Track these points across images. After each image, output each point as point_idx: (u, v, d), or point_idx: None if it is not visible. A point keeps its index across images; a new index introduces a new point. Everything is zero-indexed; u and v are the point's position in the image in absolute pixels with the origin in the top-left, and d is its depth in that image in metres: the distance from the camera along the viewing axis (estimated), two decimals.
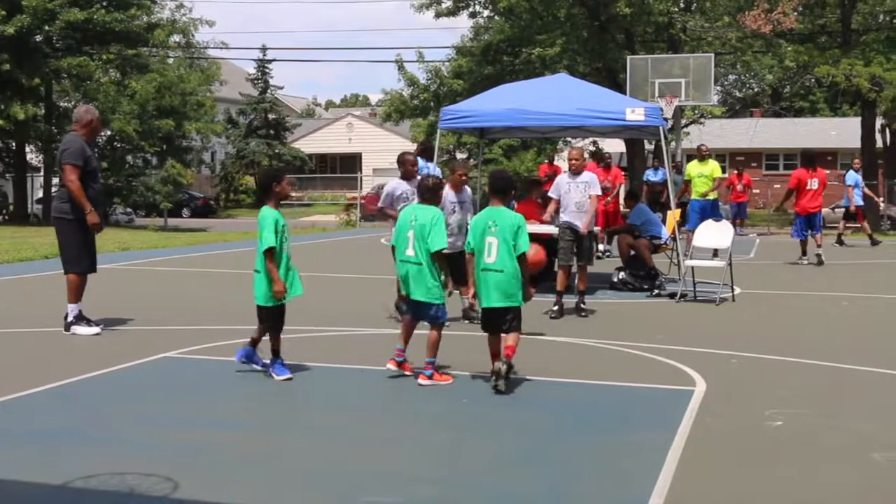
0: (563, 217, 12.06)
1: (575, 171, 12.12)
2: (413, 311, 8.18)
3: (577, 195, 11.94)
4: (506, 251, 7.79)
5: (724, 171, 25.45)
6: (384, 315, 11.22)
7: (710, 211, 18.29)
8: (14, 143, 39.38)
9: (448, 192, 10.89)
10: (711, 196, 19.09)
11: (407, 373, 8.10)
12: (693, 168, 19.44)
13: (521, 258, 7.80)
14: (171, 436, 6.35)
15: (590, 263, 12.35)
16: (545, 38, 36.57)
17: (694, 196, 19.15)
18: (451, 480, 5.46)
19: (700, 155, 19.53)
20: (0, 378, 7.98)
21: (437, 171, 14.82)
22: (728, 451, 6.05)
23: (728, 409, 7.08)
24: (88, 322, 10.12)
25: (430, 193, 8.32)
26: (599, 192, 12.34)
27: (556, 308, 11.78)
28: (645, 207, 15.48)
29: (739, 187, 30.60)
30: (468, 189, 11.58)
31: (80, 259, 10.16)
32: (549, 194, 12.45)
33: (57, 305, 10.57)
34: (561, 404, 7.36)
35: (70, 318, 10.09)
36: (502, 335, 7.88)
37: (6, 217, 41.08)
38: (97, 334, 9.97)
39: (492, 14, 41.93)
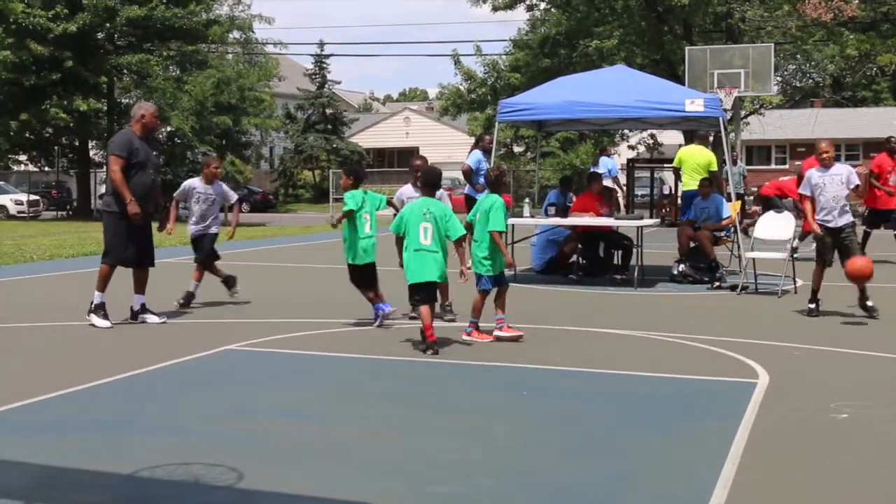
0: (819, 215, 11.10)
1: (827, 165, 11.15)
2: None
3: (832, 189, 11.03)
4: (437, 235, 8.99)
5: (785, 163, 24.47)
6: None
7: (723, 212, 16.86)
8: (77, 140, 39.96)
9: (199, 184, 11.77)
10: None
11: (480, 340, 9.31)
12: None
13: (458, 241, 9.09)
14: (235, 427, 6.41)
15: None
16: (602, 30, 36.45)
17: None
18: (512, 471, 5.46)
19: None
20: (67, 369, 8.12)
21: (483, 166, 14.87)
22: (792, 443, 5.99)
23: (792, 402, 7.01)
24: (106, 315, 10.25)
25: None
26: (859, 183, 11.30)
27: (813, 307, 11.23)
28: (721, 198, 15.19)
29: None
30: (221, 183, 12.06)
31: (116, 250, 10.26)
32: (801, 191, 11.41)
33: (122, 299, 10.71)
34: (622, 396, 7.34)
35: (91, 306, 10.30)
36: (425, 310, 8.88)
37: (70, 212, 41.73)
38: (109, 327, 10.09)
39: (549, 7, 41.84)
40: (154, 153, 10.51)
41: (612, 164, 24.33)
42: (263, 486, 5.16)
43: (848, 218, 11.05)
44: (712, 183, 15.19)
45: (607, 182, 23.67)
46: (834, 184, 10.98)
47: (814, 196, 11.07)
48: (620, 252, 15.04)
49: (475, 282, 9.47)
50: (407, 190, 11.05)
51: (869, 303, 11.03)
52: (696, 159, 15.93)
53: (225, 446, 5.89)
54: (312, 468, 5.51)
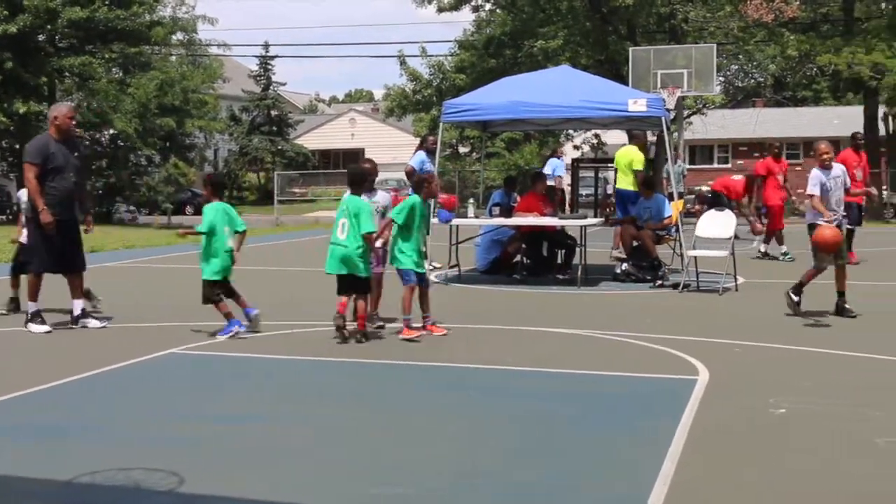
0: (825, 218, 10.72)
1: (828, 167, 10.87)
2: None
3: (837, 192, 10.85)
4: (353, 231, 9.43)
5: (727, 162, 24.75)
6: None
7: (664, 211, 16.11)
8: (18, 144, 39.44)
9: None
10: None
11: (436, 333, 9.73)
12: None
13: (365, 237, 9.45)
14: (177, 431, 6.37)
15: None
16: (547, 30, 36.61)
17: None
18: (458, 471, 5.47)
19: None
20: (6, 376, 8.01)
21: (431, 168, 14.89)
22: (732, 438, 6.06)
23: (732, 398, 7.09)
24: (42, 321, 10.12)
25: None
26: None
27: (797, 299, 10.87)
28: (663, 197, 15.40)
29: (780, 177, 22.79)
30: None
31: (38, 258, 10.12)
32: (810, 191, 10.81)
33: (61, 303, 10.60)
34: (565, 395, 7.38)
35: (27, 315, 10.17)
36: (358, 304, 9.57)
37: (10, 217, 41.15)
38: (48, 332, 9.96)
39: (494, 7, 41.96)
40: (75, 154, 10.30)
41: (556, 165, 24.56)
42: (204, 489, 5.13)
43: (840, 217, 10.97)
44: (651, 183, 15.41)
45: (551, 182, 23.88)
46: (837, 186, 10.86)
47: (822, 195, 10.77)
48: (563, 251, 15.13)
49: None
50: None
51: (847, 305, 10.95)
52: (624, 159, 16.17)
53: (166, 451, 5.84)
54: (256, 472, 5.48)
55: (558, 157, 25.77)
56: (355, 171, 10.31)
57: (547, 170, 23.81)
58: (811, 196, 10.76)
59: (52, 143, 10.06)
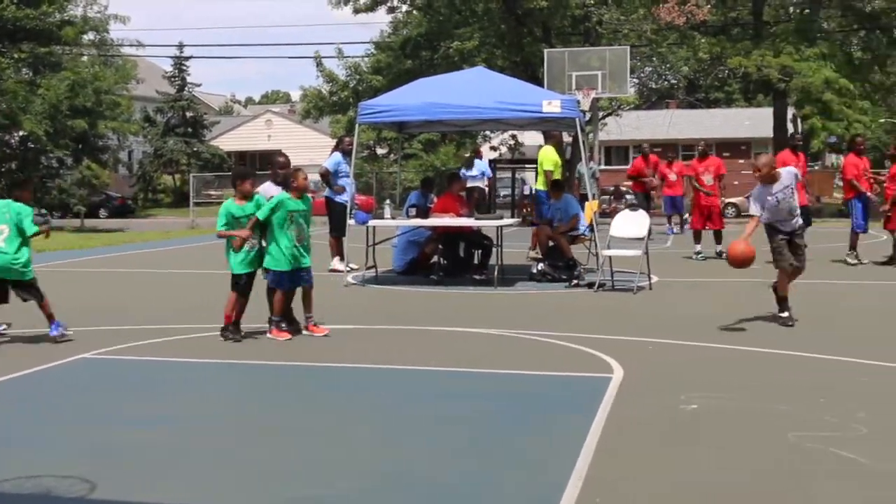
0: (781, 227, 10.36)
1: (769, 181, 10.19)
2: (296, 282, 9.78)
3: (788, 202, 10.22)
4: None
5: (671, 164, 24.93)
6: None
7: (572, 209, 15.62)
8: None
9: None
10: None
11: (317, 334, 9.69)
12: (556, 157, 17.48)
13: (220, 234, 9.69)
14: (89, 437, 6.27)
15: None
16: (463, 32, 36.71)
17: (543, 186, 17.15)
18: (374, 473, 5.47)
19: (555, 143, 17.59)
20: None
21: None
22: (645, 435, 6.15)
23: (645, 395, 7.19)
24: None
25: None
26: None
27: (786, 315, 10.37)
28: (571, 198, 15.58)
29: (672, 176, 24.97)
30: None
31: None
32: (752, 212, 10.36)
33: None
34: (481, 395, 7.41)
35: None
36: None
37: None
38: None
39: (410, 9, 41.98)
40: None
41: (485, 166, 24.82)
42: (116, 496, 5.07)
43: (798, 221, 10.47)
44: (559, 184, 15.57)
45: (480, 183, 24.12)
46: (787, 196, 10.19)
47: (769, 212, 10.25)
48: (480, 252, 15.20)
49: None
50: (268, 187, 10.81)
51: (784, 314, 10.38)
52: (539, 159, 16.42)
53: (78, 457, 5.76)
54: (167, 477, 5.42)
55: (480, 158, 26.01)
56: (235, 171, 10.64)
57: (475, 171, 24.05)
58: (752, 217, 10.32)
59: None
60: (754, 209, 10.27)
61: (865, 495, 5.02)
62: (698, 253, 18.01)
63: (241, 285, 9.65)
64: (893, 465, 5.44)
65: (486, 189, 25.97)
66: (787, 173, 10.31)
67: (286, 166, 10.50)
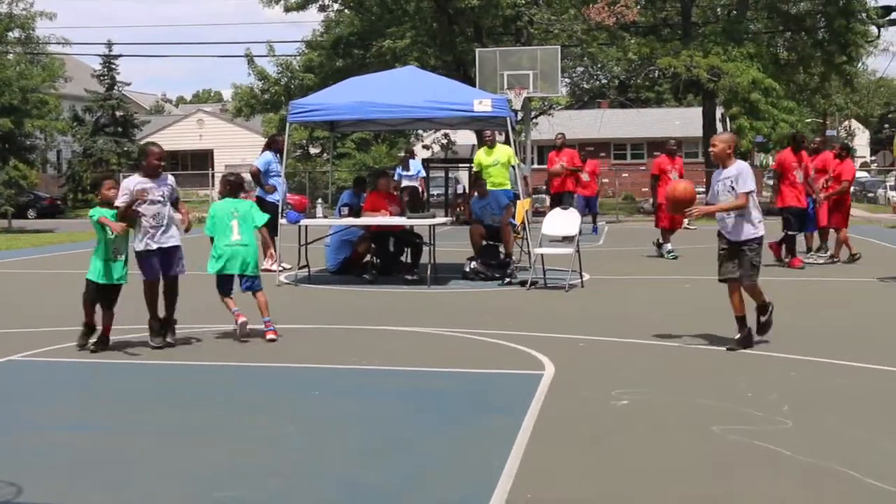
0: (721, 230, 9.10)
1: (722, 162, 8.99)
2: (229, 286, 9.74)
3: (723, 195, 8.94)
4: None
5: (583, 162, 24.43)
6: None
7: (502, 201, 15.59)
8: None
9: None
10: (508, 186, 16.39)
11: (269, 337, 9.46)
12: (482, 158, 16.75)
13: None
14: (15, 440, 6.19)
15: (749, 280, 8.94)
16: (395, 31, 36.70)
17: (488, 187, 16.47)
18: (301, 472, 5.45)
19: (486, 142, 16.96)
20: None
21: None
22: (576, 431, 6.20)
23: (576, 391, 7.25)
24: None
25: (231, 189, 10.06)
26: (751, 189, 8.80)
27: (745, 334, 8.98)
28: (498, 192, 15.61)
29: (585, 176, 24.69)
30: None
31: None
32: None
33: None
34: (410, 393, 7.43)
35: None
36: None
37: None
38: None
39: (342, 8, 41.88)
40: None
41: (419, 166, 24.89)
42: (43, 499, 5.00)
43: (749, 230, 8.86)
44: (481, 181, 15.51)
45: (415, 182, 24.14)
46: (725, 188, 8.94)
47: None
48: (410, 250, 15.20)
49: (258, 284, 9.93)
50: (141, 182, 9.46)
51: (763, 318, 9.20)
52: (491, 158, 16.33)
53: (4, 460, 5.68)
54: (97, 480, 5.37)
55: (414, 158, 26.13)
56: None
57: (411, 171, 24.11)
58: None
59: None
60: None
61: (786, 485, 5.10)
62: (670, 251, 17.76)
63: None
64: (815, 457, 5.54)
65: (421, 188, 26.08)
66: (736, 167, 8.88)
67: (161, 156, 9.51)
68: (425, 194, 29.41)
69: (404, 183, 26.24)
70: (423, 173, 26.76)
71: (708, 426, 6.18)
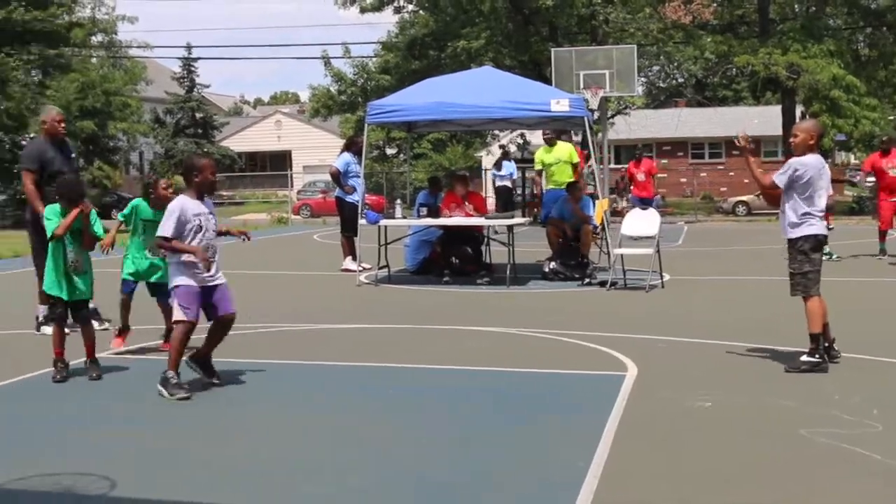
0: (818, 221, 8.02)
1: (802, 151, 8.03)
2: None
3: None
4: None
5: (638, 162, 24.30)
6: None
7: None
8: None
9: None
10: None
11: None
12: (542, 156, 17.18)
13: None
14: (105, 434, 6.33)
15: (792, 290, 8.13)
16: (469, 31, 36.74)
17: (550, 185, 17.02)
18: (383, 469, 5.50)
19: (546, 140, 17.19)
20: None
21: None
22: (660, 432, 6.17)
23: (659, 393, 7.21)
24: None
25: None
26: (780, 181, 8.01)
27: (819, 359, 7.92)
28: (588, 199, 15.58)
29: (640, 177, 23.13)
30: None
31: (39, 264, 9.99)
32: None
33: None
34: (490, 393, 7.44)
35: (40, 319, 10.08)
36: None
37: None
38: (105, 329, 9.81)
39: (416, 9, 42.02)
40: (72, 157, 10.32)
41: (513, 167, 25.03)
42: (136, 493, 5.13)
43: (787, 230, 8.13)
44: (579, 187, 15.51)
45: (507, 183, 24.29)
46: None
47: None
48: (473, 249, 15.19)
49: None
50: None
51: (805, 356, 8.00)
52: (551, 156, 16.78)
53: (94, 455, 5.81)
54: (184, 474, 5.49)
55: (508, 160, 26.36)
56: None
57: (504, 171, 24.28)
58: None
59: (48, 147, 10.06)
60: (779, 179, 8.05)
61: (874, 490, 5.04)
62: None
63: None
64: None
65: (512, 189, 26.31)
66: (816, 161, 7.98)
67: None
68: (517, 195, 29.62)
69: (497, 183, 26.40)
70: (516, 174, 26.91)
71: (795, 429, 6.12)
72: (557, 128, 18.00)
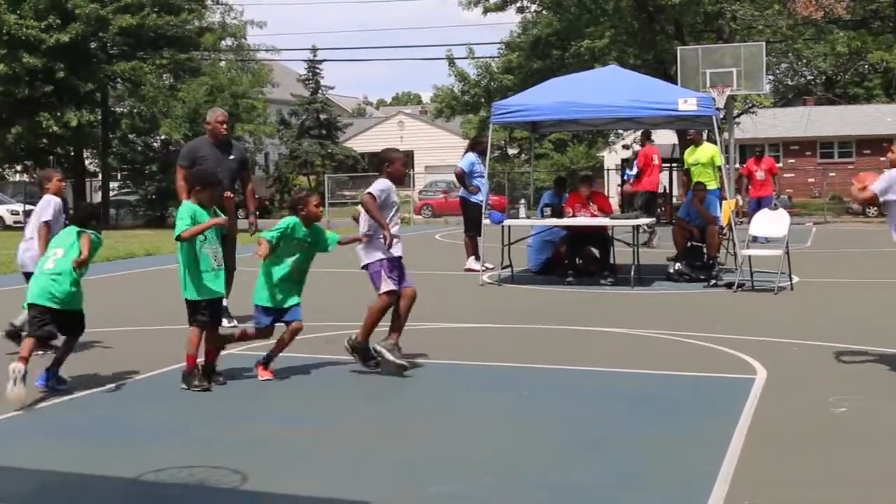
0: None
1: None
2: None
3: None
4: None
5: (777, 161, 24.07)
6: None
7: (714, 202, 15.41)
8: (73, 150, 39.92)
9: None
10: (712, 186, 16.27)
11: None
12: (686, 156, 17.50)
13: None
14: (236, 431, 6.47)
15: None
16: (593, 30, 36.50)
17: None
18: (514, 470, 5.51)
19: (690, 140, 17.18)
20: (75, 374, 8.11)
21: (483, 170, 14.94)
22: (792, 437, 6.05)
23: (790, 397, 7.07)
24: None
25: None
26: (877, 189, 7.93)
27: None
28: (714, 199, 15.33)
29: (760, 175, 22.81)
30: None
31: None
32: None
33: (132, 305, 10.73)
34: (618, 394, 7.39)
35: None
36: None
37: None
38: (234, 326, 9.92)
39: (539, 9, 41.91)
40: (231, 157, 10.53)
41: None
42: (267, 487, 5.23)
43: None
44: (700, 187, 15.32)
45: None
46: None
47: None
48: (600, 251, 15.03)
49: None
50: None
51: None
52: (693, 157, 16.84)
53: (226, 449, 5.97)
54: (312, 469, 5.59)
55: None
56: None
57: (633, 171, 24.14)
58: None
59: (205, 145, 10.42)
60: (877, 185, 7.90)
61: None
62: None
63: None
64: None
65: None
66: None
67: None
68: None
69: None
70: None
71: None
72: (684, 127, 17.81)
